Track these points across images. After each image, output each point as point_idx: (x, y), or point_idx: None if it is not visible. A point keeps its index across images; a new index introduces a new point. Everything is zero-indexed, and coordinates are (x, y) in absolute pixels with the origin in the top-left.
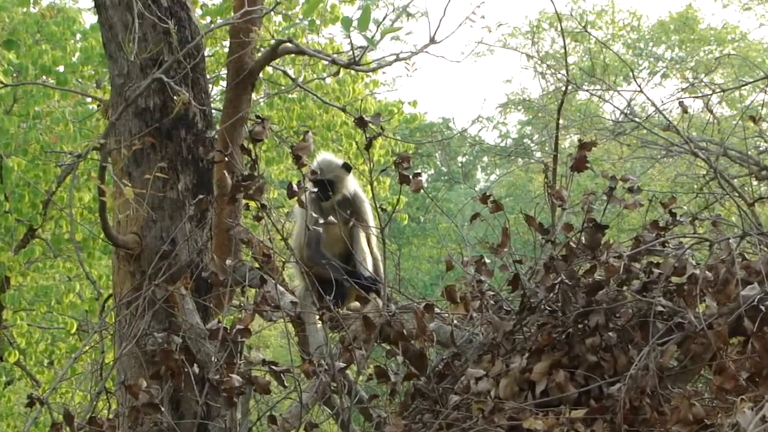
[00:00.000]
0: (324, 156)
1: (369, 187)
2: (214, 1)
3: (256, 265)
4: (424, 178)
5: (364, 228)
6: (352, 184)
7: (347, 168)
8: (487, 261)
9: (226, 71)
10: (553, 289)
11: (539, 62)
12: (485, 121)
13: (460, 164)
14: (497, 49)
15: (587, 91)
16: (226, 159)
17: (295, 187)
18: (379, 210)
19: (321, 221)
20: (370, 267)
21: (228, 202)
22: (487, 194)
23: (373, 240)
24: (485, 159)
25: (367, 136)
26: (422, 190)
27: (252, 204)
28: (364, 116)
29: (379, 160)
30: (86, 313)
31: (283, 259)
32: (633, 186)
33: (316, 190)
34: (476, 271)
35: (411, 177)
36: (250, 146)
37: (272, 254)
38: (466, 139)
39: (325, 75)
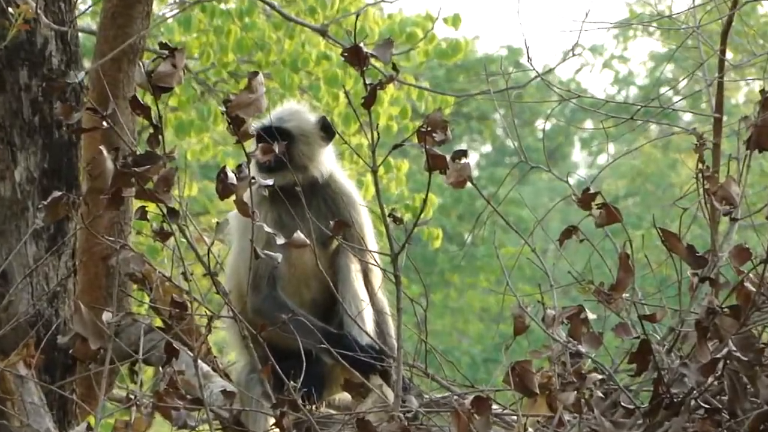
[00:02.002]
0: (285, 105)
1: (371, 176)
2: None
3: (159, 323)
4: (473, 160)
5: (358, 254)
6: (330, 163)
7: (325, 128)
8: (591, 316)
9: None
10: (714, 369)
11: None
12: (587, 53)
13: (540, 134)
14: None
15: None
16: (104, 124)
17: (231, 176)
18: (388, 220)
19: (280, 241)
20: (369, 327)
21: (107, 204)
22: (592, 191)
23: (376, 277)
24: (587, 124)
25: (369, 82)
26: (470, 183)
27: (151, 207)
28: (361, 45)
29: (389, 127)
30: None
31: (210, 312)
32: None
33: (268, 183)
34: (570, 335)
35: (450, 159)
36: (149, 100)
37: (189, 303)
38: (550, 88)
39: None
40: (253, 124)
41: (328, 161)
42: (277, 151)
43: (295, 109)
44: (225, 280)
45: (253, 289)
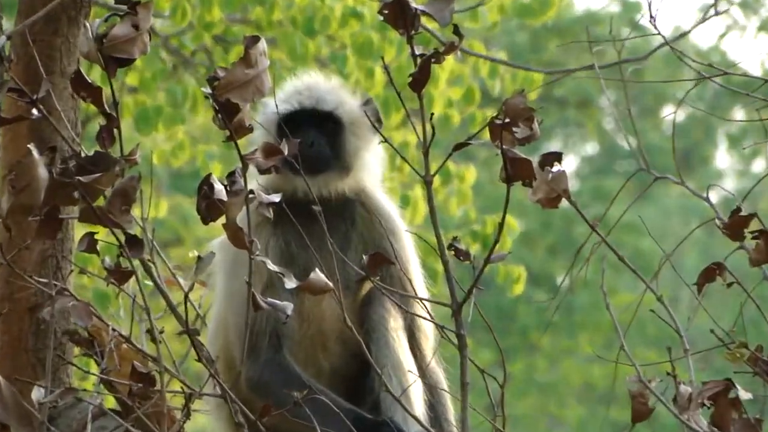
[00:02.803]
0: (308, 79)
1: (422, 189)
2: None
3: (112, 403)
4: (570, 166)
5: (402, 304)
6: (378, 167)
7: (374, 115)
8: (744, 395)
9: None
10: None
11: None
12: (736, 11)
13: (668, 129)
14: None
15: None
16: (34, 112)
17: (219, 188)
18: (447, 254)
19: (289, 283)
20: (419, 409)
21: (38, 230)
22: (744, 213)
23: (428, 338)
24: (737, 114)
25: (419, 52)
26: (566, 201)
27: (102, 234)
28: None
29: (447, 117)
30: None
31: (188, 388)
32: None
33: (273, 198)
34: (714, 422)
35: (537, 165)
36: (98, 78)
37: (156, 374)
38: (683, 62)
39: None
40: (276, 107)
41: (376, 165)
42: (286, 151)
43: (332, 85)
44: (208, 341)
45: (249, 354)
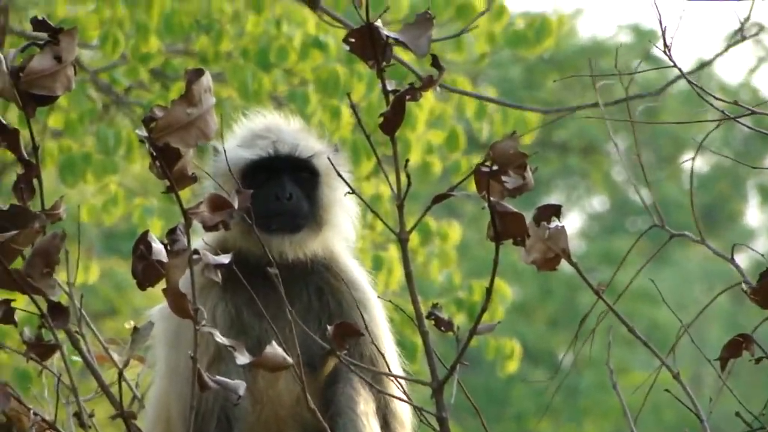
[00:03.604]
0: (276, 121)
1: (397, 248)
2: None
3: None
4: (573, 222)
5: (373, 383)
6: (349, 223)
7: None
8: None
9: None
10: None
11: None
12: None
13: (686, 179)
14: None
15: None
16: None
17: (158, 248)
18: (426, 324)
19: (241, 358)
20: None
21: None
22: None
23: (403, 425)
24: None
25: (392, 88)
26: (567, 263)
27: (20, 302)
28: (378, 24)
29: (427, 165)
30: None
31: None
32: None
33: (222, 260)
34: None
35: (532, 220)
36: (15, 119)
37: None
38: (703, 99)
39: None
40: (244, 153)
41: (347, 222)
42: (236, 204)
43: (299, 128)
44: (147, 426)
45: None
